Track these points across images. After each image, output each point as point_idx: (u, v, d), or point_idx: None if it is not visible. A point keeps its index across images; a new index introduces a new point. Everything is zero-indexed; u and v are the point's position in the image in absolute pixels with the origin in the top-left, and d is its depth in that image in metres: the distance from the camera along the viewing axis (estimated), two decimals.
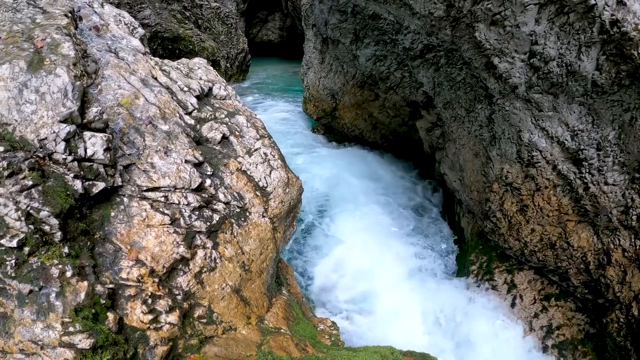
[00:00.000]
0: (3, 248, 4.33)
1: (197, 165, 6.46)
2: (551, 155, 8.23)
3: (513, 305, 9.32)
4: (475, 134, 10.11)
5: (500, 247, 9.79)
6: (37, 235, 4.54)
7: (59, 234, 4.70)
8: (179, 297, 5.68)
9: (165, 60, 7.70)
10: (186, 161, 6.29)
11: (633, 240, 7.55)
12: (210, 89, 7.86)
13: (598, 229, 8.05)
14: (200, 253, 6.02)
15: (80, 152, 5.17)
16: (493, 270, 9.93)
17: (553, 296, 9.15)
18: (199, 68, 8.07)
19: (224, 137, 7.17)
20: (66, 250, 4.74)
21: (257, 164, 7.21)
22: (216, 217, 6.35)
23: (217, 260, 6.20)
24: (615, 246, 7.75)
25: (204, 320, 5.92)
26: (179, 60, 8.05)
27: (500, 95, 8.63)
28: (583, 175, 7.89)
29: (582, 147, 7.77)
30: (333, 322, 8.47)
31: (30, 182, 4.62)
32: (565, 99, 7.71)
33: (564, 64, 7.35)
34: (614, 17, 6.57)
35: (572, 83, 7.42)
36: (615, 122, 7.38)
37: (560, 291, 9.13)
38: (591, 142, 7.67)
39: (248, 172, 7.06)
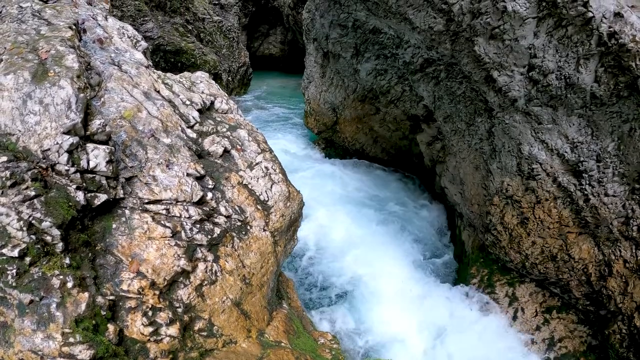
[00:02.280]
0: (4, 257, 4.33)
1: (199, 178, 6.47)
2: (551, 167, 8.26)
3: (515, 318, 9.27)
4: (475, 147, 10.15)
5: (501, 260, 9.77)
6: (39, 246, 4.54)
7: (60, 244, 4.71)
8: (179, 310, 5.66)
9: (168, 74, 7.75)
10: (188, 174, 6.30)
11: (634, 251, 7.54)
12: (212, 103, 7.90)
13: (599, 241, 8.05)
14: (201, 266, 6.00)
15: (83, 163, 5.19)
16: (494, 284, 9.90)
17: (555, 308, 9.11)
18: (201, 82, 8.12)
19: (226, 151, 7.18)
20: (67, 261, 4.74)
21: (258, 178, 7.22)
22: (217, 230, 6.34)
23: (218, 274, 6.18)
24: (617, 257, 7.74)
25: (205, 333, 5.89)
26: (181, 74, 8.10)
27: (500, 109, 8.68)
28: (583, 187, 7.91)
29: (581, 159, 7.80)
30: (334, 336, 8.41)
31: (33, 193, 4.64)
32: (565, 111, 7.76)
33: (562, 77, 7.41)
34: (611, 29, 6.65)
35: (571, 95, 7.48)
36: (614, 134, 7.42)
37: (562, 303, 9.09)
38: (591, 154, 7.70)
39: (249, 186, 7.06)
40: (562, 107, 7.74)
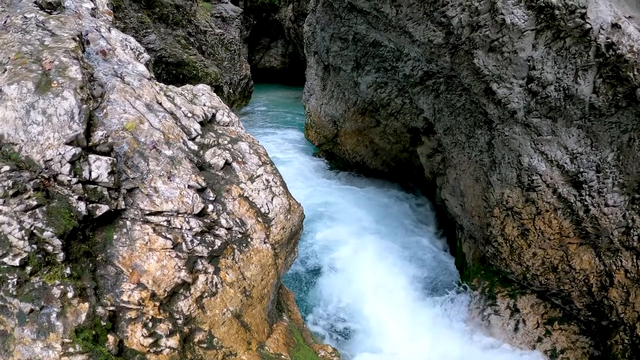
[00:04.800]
0: (5, 266, 4.33)
1: (200, 190, 6.47)
2: (551, 178, 8.28)
3: (516, 329, 9.22)
4: (475, 159, 10.17)
5: (502, 272, 9.74)
6: (40, 255, 4.54)
7: (61, 254, 4.71)
8: (179, 321, 5.64)
9: (170, 86, 7.79)
10: (189, 186, 6.31)
11: (635, 260, 7.53)
12: (214, 115, 7.92)
13: (600, 251, 8.04)
14: (202, 278, 5.98)
15: (85, 174, 5.21)
16: (495, 295, 9.85)
17: (556, 319, 9.06)
18: (202, 94, 8.15)
19: (227, 163, 7.19)
20: (68, 271, 4.74)
21: (259, 191, 7.21)
22: (218, 242, 6.33)
23: (218, 286, 6.16)
24: (618, 267, 7.73)
25: (204, 345, 5.86)
26: (183, 86, 8.14)
27: (500, 121, 8.71)
28: (583, 198, 7.91)
29: (581, 169, 7.82)
30: (334, 349, 8.37)
31: (35, 202, 4.65)
32: (564, 123, 7.79)
33: (561, 88, 7.46)
34: (609, 40, 6.71)
35: (570, 106, 7.52)
36: (613, 144, 7.45)
37: (564, 314, 9.05)
38: (590, 165, 7.72)
39: (250, 199, 7.06)
40: (561, 118, 7.78)
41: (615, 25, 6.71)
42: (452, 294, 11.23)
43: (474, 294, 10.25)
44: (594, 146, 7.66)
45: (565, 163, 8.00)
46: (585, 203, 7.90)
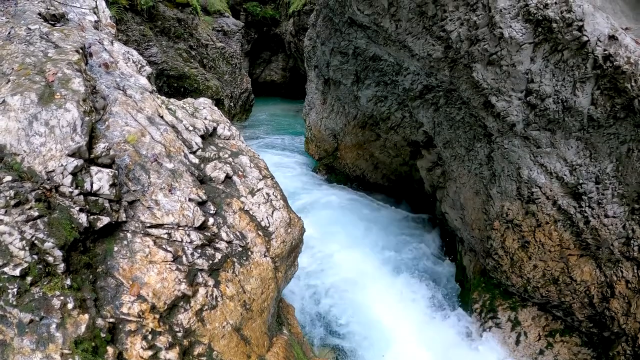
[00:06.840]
0: (6, 276, 4.33)
1: (201, 203, 6.49)
2: (551, 190, 8.28)
3: (517, 342, 9.16)
4: (475, 173, 10.19)
5: (503, 285, 9.71)
6: (41, 266, 4.55)
7: (62, 265, 4.71)
8: (179, 334, 5.62)
9: (172, 99, 7.85)
10: (190, 199, 6.33)
11: (636, 271, 7.50)
12: (215, 129, 7.97)
13: (600, 262, 8.01)
14: (202, 291, 5.98)
15: (87, 186, 5.23)
16: (496, 308, 9.80)
17: (558, 332, 9.00)
18: (204, 108, 8.21)
19: (228, 177, 7.22)
20: (68, 282, 4.74)
21: (259, 204, 7.24)
22: (218, 255, 6.33)
23: (219, 299, 6.15)
24: (618, 278, 7.70)
25: (204, 358, 5.83)
26: (184, 100, 8.20)
27: (499, 134, 8.75)
28: (583, 209, 7.91)
29: (581, 181, 7.83)
30: None
31: (36, 213, 4.67)
32: (563, 135, 7.82)
33: (559, 101, 7.50)
34: (606, 52, 6.77)
35: (569, 118, 7.55)
36: (612, 155, 7.47)
37: (565, 326, 8.99)
38: (590, 176, 7.73)
39: (250, 212, 7.08)
40: (560, 131, 7.81)
41: (612, 37, 6.77)
42: (454, 307, 11.20)
43: (475, 307, 10.21)
44: (593, 157, 7.67)
45: (565, 175, 8.02)
46: (585, 214, 7.89)
